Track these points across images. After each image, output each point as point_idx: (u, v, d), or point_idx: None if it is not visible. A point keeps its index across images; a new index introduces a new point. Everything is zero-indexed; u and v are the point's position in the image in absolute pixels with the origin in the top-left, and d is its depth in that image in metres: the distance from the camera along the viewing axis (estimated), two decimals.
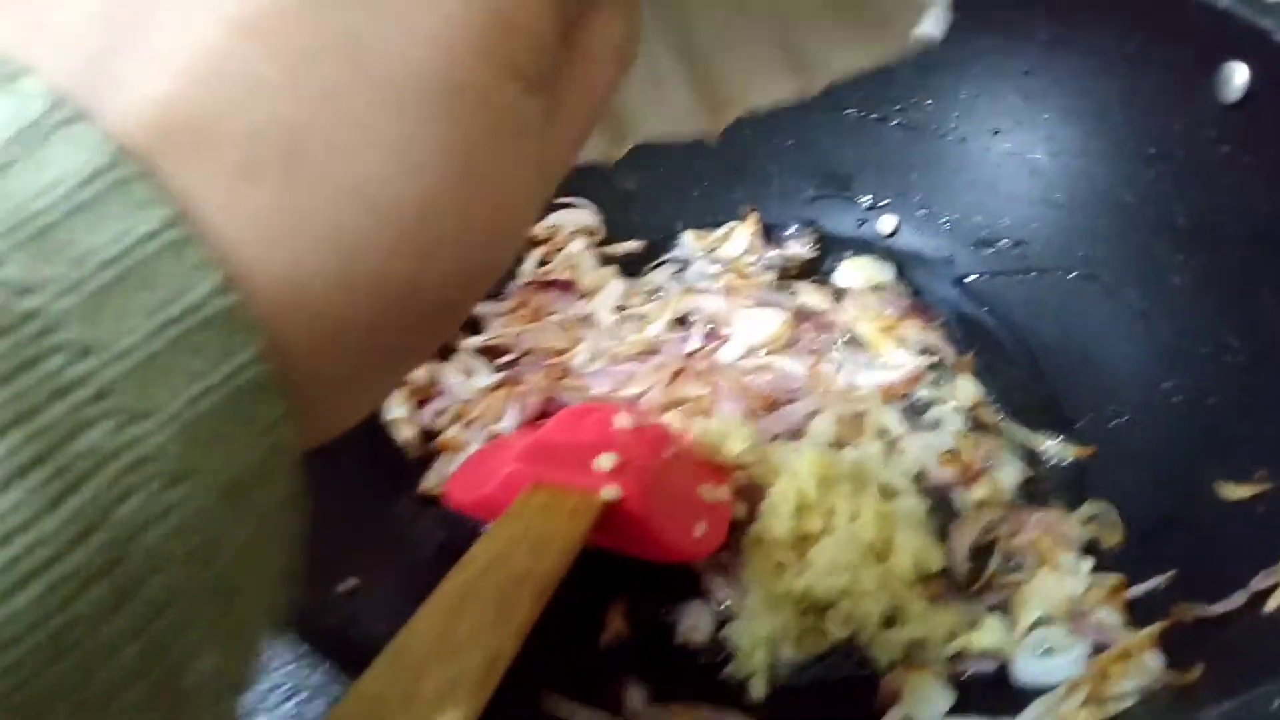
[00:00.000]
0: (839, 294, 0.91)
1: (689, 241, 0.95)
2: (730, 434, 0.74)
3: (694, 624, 0.70)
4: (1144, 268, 0.83)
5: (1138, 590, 0.68)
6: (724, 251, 0.94)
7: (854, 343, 0.87)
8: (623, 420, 0.72)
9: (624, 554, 0.66)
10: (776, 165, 0.97)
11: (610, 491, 0.62)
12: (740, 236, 0.94)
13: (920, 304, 0.90)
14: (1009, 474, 0.77)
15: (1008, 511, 0.75)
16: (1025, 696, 0.64)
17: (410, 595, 0.55)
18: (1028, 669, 0.66)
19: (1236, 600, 0.60)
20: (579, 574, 0.61)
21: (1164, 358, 0.79)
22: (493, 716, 0.48)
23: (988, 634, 0.67)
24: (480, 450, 0.76)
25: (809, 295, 0.91)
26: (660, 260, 0.95)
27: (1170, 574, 0.67)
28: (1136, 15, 0.81)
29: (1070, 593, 0.68)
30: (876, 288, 0.92)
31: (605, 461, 0.64)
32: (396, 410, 0.79)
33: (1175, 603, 0.63)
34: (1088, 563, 0.71)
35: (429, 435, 0.80)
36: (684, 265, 0.94)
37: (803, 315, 0.88)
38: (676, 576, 0.72)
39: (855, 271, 0.93)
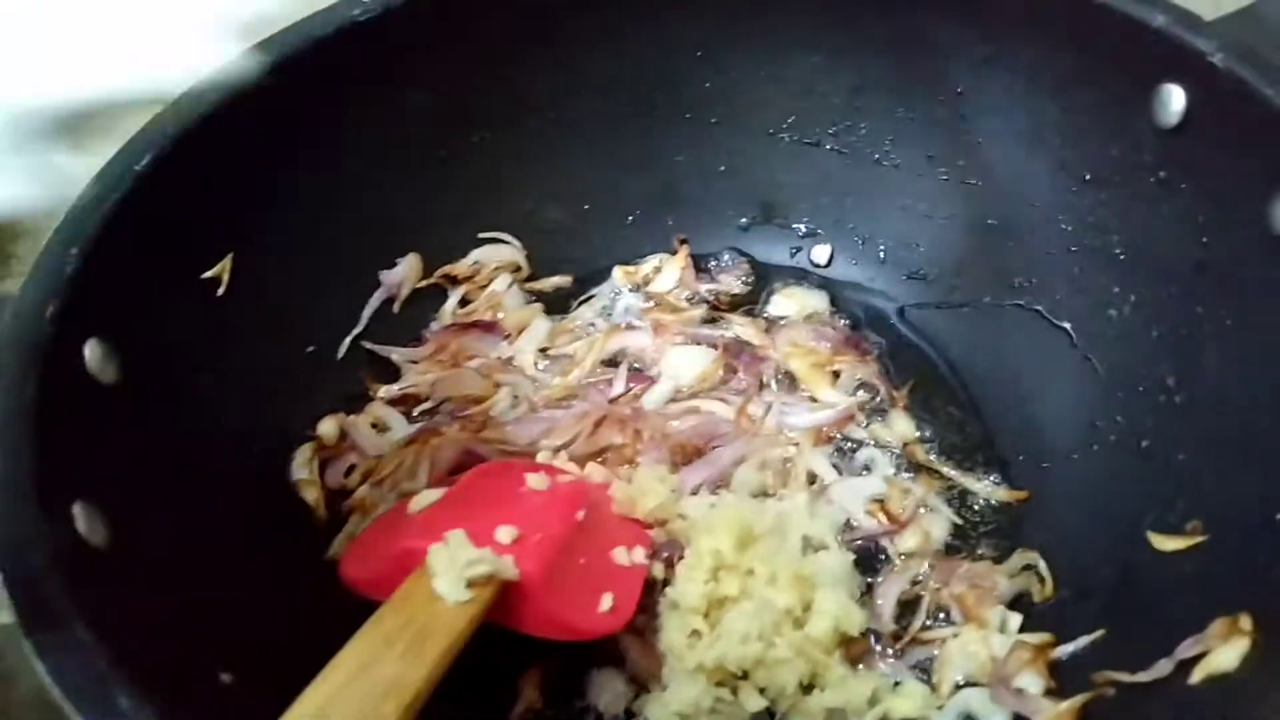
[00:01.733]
0: (772, 325, 0.88)
1: (618, 278, 0.92)
2: (647, 490, 0.71)
3: (609, 696, 0.68)
4: (1082, 299, 0.80)
5: (1064, 650, 0.65)
6: (654, 286, 0.91)
7: (787, 380, 0.84)
8: (534, 481, 0.69)
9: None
10: (708, 192, 0.94)
11: (506, 571, 0.59)
12: (670, 270, 0.91)
13: (855, 337, 0.87)
14: (939, 523, 0.75)
15: (936, 562, 0.72)
16: None
17: (298, 687, 0.53)
18: None
19: (1162, 669, 0.58)
20: (488, 640, 0.59)
21: (1100, 395, 0.76)
22: None
23: (908, 699, 0.65)
24: (379, 518, 0.73)
25: (741, 328, 0.88)
26: (588, 296, 0.91)
27: (1097, 634, 0.64)
28: (1072, 34, 0.77)
29: (995, 653, 0.65)
30: (810, 318, 0.89)
31: (504, 535, 0.61)
32: (300, 471, 0.76)
33: (1100, 668, 0.60)
34: (1015, 619, 0.68)
35: (340, 494, 0.77)
36: (612, 301, 0.91)
37: (734, 350, 0.85)
38: (590, 648, 0.69)
39: (788, 301, 0.90)
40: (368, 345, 0.84)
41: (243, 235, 0.75)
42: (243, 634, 0.61)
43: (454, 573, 0.56)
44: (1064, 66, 0.79)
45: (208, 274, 0.73)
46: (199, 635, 0.57)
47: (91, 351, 0.62)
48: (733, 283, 0.91)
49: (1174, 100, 0.72)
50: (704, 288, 0.91)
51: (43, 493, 0.53)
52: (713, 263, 0.93)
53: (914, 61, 0.85)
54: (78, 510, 0.54)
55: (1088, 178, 0.79)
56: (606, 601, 0.64)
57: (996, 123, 0.84)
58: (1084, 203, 0.79)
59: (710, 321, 0.89)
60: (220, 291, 0.74)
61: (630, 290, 0.91)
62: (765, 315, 0.90)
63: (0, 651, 0.92)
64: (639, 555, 0.69)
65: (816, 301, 0.89)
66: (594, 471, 0.75)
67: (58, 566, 0.50)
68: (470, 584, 0.56)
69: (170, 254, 0.70)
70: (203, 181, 0.72)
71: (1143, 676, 0.58)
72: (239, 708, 0.55)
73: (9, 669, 0.96)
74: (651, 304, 0.90)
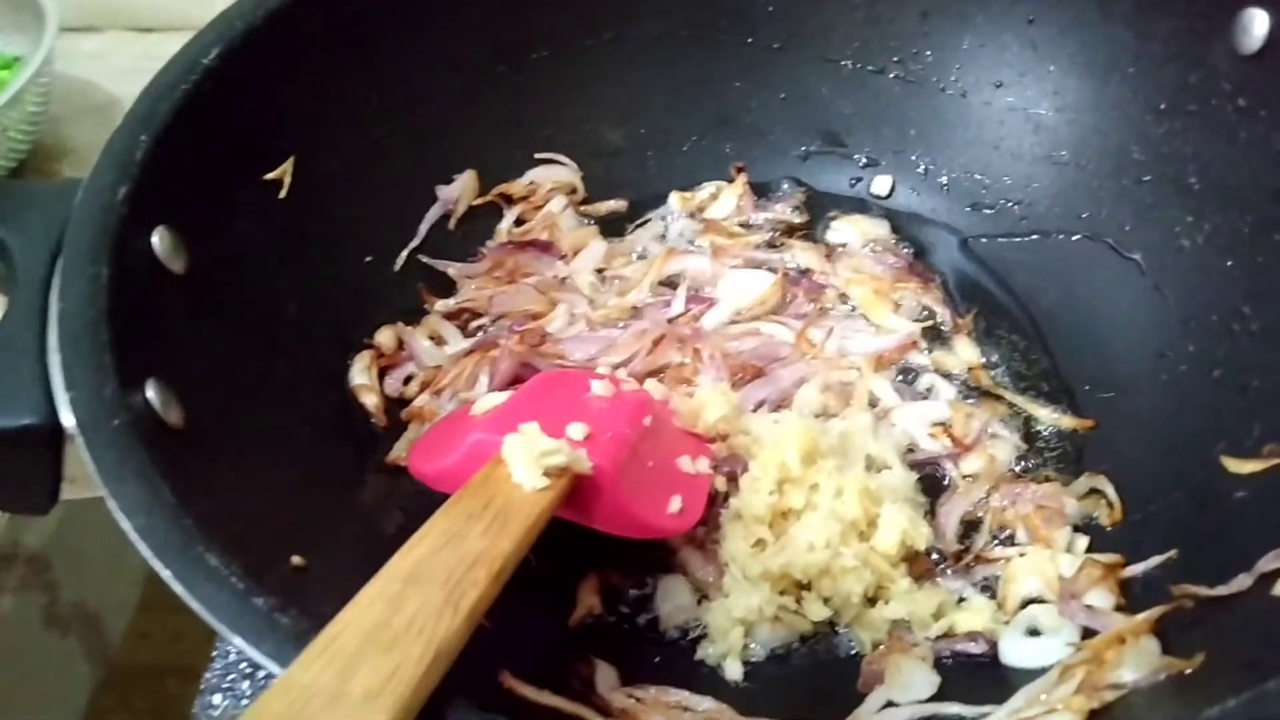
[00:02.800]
0: (832, 252, 0.87)
1: (674, 204, 0.90)
2: (709, 402, 0.71)
3: (673, 602, 0.67)
4: (1153, 230, 0.78)
5: (1135, 570, 0.64)
6: (710, 212, 0.90)
7: (846, 306, 0.83)
8: (598, 388, 0.68)
9: (595, 530, 0.63)
10: (767, 120, 0.92)
11: (580, 464, 0.58)
12: (728, 197, 0.90)
13: (918, 264, 0.86)
14: (1004, 446, 0.74)
15: (1001, 484, 0.71)
16: (1013, 680, 0.61)
17: (364, 576, 0.52)
18: (1015, 651, 0.63)
19: (1242, 583, 0.56)
20: (548, 547, 0.58)
21: (1171, 326, 0.75)
22: (447, 702, 0.45)
23: (975, 614, 0.64)
24: (445, 417, 0.72)
25: (801, 254, 0.86)
26: (643, 220, 0.90)
27: (1170, 554, 0.63)
28: None
29: (1062, 571, 0.64)
30: (871, 245, 0.88)
31: (576, 431, 0.61)
32: (359, 376, 0.75)
33: (1174, 584, 0.59)
34: (1082, 541, 0.67)
35: (399, 403, 0.77)
36: (667, 225, 0.90)
37: (793, 276, 0.84)
38: (651, 551, 0.68)
39: (849, 228, 0.89)
40: (424, 259, 0.84)
41: (305, 139, 0.75)
42: (310, 522, 0.60)
43: (530, 461, 0.55)
44: None
45: (270, 175, 0.73)
46: (270, 517, 0.57)
47: (160, 239, 0.61)
48: (789, 212, 0.90)
49: (1256, 25, 0.70)
50: (761, 216, 0.89)
51: (120, 365, 0.52)
52: (771, 191, 0.92)
53: None
54: (151, 388, 0.54)
55: (1162, 107, 0.78)
56: (675, 503, 0.64)
57: (1068, 50, 0.82)
58: (1158, 132, 0.78)
59: (769, 246, 0.87)
60: (282, 194, 0.73)
61: (686, 216, 0.90)
62: (825, 241, 0.88)
63: (47, 559, 0.93)
64: (703, 464, 0.68)
65: (877, 229, 0.88)
66: (653, 388, 0.74)
67: (138, 434, 0.50)
68: (545, 473, 0.56)
69: (235, 151, 0.70)
70: (268, 80, 0.72)
71: (1221, 590, 0.57)
72: (309, 589, 0.54)
73: (52, 581, 0.97)
74: (708, 229, 0.88)
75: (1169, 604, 0.58)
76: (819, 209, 0.91)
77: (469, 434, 0.61)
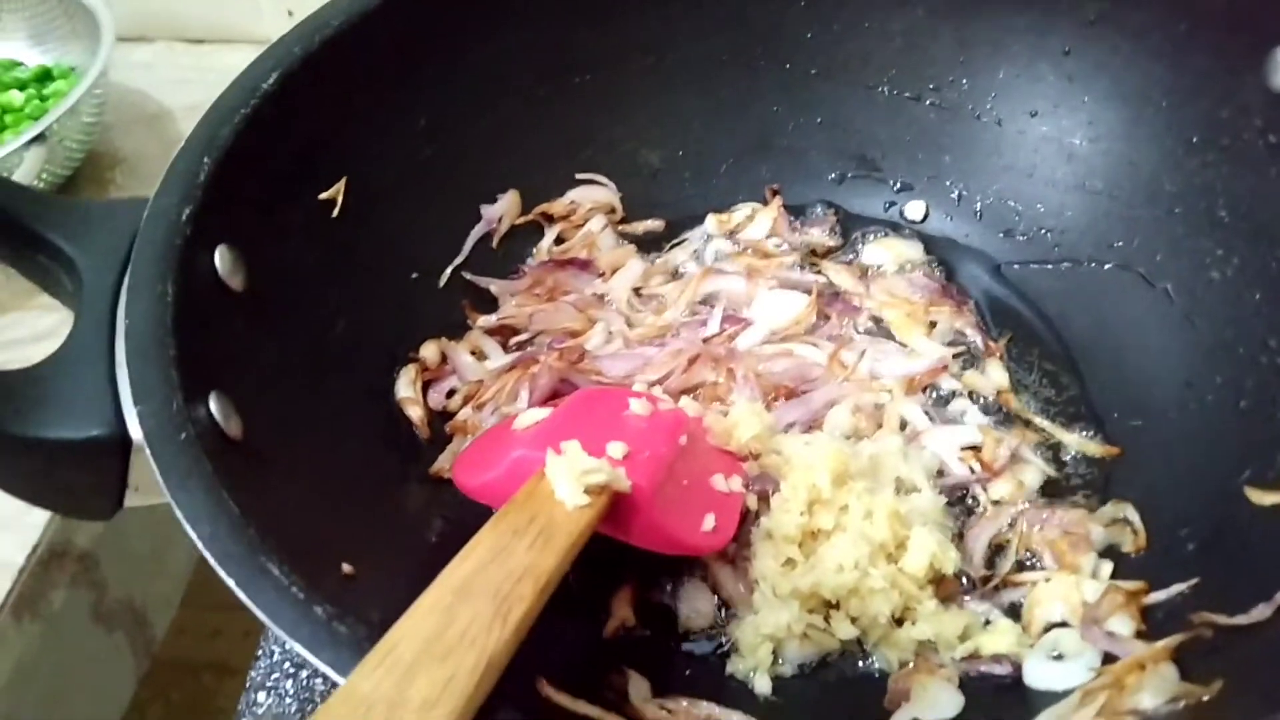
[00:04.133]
0: (866, 274, 0.89)
1: (711, 225, 0.93)
2: (743, 421, 0.73)
3: (691, 606, 0.69)
4: (1183, 261, 0.79)
5: (1157, 597, 0.65)
6: (746, 234, 0.92)
7: (880, 328, 0.85)
8: (636, 407, 0.70)
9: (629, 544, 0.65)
10: (803, 143, 0.94)
11: (619, 482, 0.60)
12: (763, 219, 0.92)
13: (951, 287, 0.87)
14: (1032, 472, 0.75)
15: (1028, 509, 0.73)
16: (1037, 701, 0.62)
17: (408, 583, 0.54)
18: (1038, 673, 0.64)
19: (1262, 612, 0.58)
20: (583, 559, 0.60)
21: (1199, 356, 0.76)
22: (490, 710, 0.48)
23: (1000, 637, 0.65)
24: (487, 431, 0.75)
25: (836, 274, 0.88)
26: (679, 239, 0.92)
27: (1192, 582, 0.64)
28: None
29: (1086, 597, 0.66)
30: (905, 267, 0.89)
31: (615, 450, 0.63)
32: (404, 390, 0.78)
33: (1195, 612, 0.61)
34: (1107, 566, 0.69)
35: (442, 415, 0.79)
36: (704, 245, 0.92)
37: (827, 297, 0.86)
38: (683, 568, 0.70)
39: (882, 250, 0.90)
40: (468, 275, 0.86)
41: (356, 160, 0.77)
42: (357, 531, 0.63)
43: (572, 480, 0.57)
44: (1176, 28, 0.79)
45: (324, 195, 0.75)
46: (321, 526, 0.59)
47: (222, 257, 0.64)
48: (823, 235, 0.92)
49: None
50: (796, 238, 0.91)
51: (185, 378, 0.55)
52: (806, 214, 0.93)
53: (1020, 19, 0.86)
54: (214, 400, 0.57)
55: (1195, 140, 0.79)
56: (709, 521, 0.66)
57: (1103, 83, 0.84)
58: (1189, 165, 0.79)
59: (803, 267, 0.89)
60: (334, 213, 0.76)
61: (722, 237, 0.92)
62: (859, 263, 0.90)
63: (96, 556, 0.96)
64: (736, 483, 0.70)
65: (911, 251, 0.90)
66: (688, 406, 0.76)
67: (202, 446, 0.52)
68: (586, 491, 0.58)
69: (291, 172, 0.73)
70: (323, 103, 0.74)
71: (1241, 619, 0.58)
72: (358, 597, 0.56)
73: (101, 579, 1.00)
74: (743, 249, 0.91)
75: (1189, 632, 0.59)
76: (853, 232, 0.93)
77: (512, 450, 0.64)
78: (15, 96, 1.14)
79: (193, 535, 0.48)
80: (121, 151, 1.21)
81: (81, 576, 0.95)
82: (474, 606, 0.49)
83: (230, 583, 0.46)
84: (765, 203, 0.94)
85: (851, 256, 0.91)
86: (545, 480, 0.59)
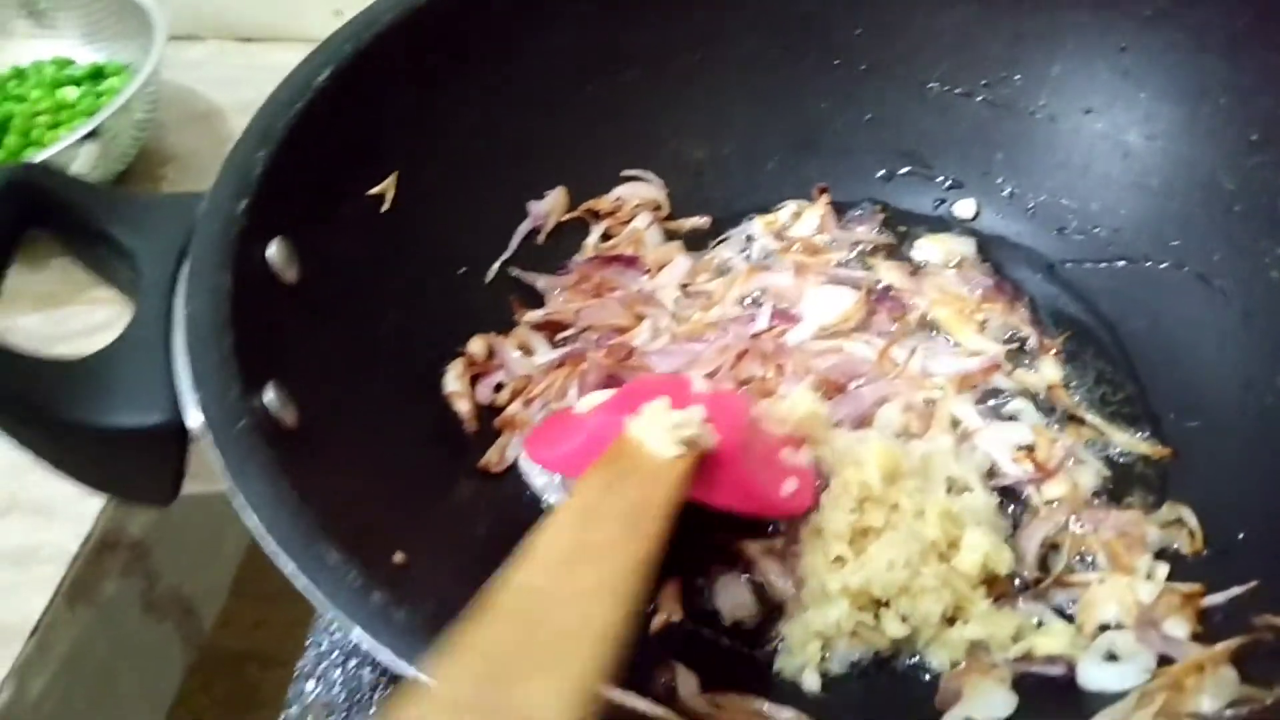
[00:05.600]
0: (917, 270, 0.88)
1: (757, 228, 0.92)
2: (797, 403, 0.73)
3: (731, 598, 0.69)
4: (1242, 260, 0.78)
5: (1214, 600, 0.64)
6: (793, 233, 0.91)
7: (931, 325, 0.84)
8: (700, 385, 0.70)
9: (714, 509, 0.63)
10: (851, 140, 0.94)
11: (707, 437, 0.60)
12: (810, 217, 0.91)
13: (1004, 283, 0.86)
14: (1087, 472, 0.74)
15: (1082, 509, 0.72)
16: (1091, 703, 0.61)
17: (457, 576, 0.55)
18: (1091, 674, 0.63)
19: None
20: None
21: (1258, 356, 0.75)
22: None
23: (1053, 637, 0.65)
24: (552, 415, 0.75)
25: (886, 271, 0.87)
26: (725, 236, 0.92)
27: (1250, 585, 0.63)
28: None
29: (1141, 598, 0.65)
30: (957, 263, 0.88)
31: (695, 412, 0.62)
32: (452, 384, 0.78)
33: (1254, 615, 0.60)
34: (1163, 568, 0.68)
35: (490, 410, 0.79)
36: (749, 242, 0.91)
37: (877, 294, 0.86)
38: (722, 566, 0.70)
39: (934, 247, 0.90)
40: (514, 271, 0.86)
41: (407, 156, 0.78)
42: (407, 522, 0.63)
43: (663, 431, 0.57)
44: (1236, 24, 0.78)
45: (374, 190, 0.76)
46: (374, 516, 0.59)
47: (277, 250, 0.65)
48: (872, 233, 0.91)
49: None
50: (844, 236, 0.91)
51: (243, 370, 0.55)
52: (853, 212, 0.93)
53: (1076, 14, 0.85)
54: (270, 390, 0.57)
55: (1254, 138, 0.78)
56: (790, 485, 0.66)
57: (1160, 79, 0.83)
58: (1249, 163, 0.78)
59: (853, 262, 0.89)
60: (385, 208, 0.76)
61: (769, 236, 0.92)
62: (909, 259, 0.89)
63: (148, 546, 0.98)
64: (804, 456, 0.70)
65: (963, 248, 0.89)
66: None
67: (260, 435, 0.53)
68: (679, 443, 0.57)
69: (343, 166, 0.73)
70: (374, 99, 0.75)
71: None
72: (412, 586, 0.57)
73: (152, 568, 1.01)
74: (791, 246, 0.90)
75: (1248, 635, 0.58)
76: (902, 229, 0.92)
77: (590, 419, 0.63)
78: (70, 93, 1.16)
79: (253, 521, 0.48)
80: (173, 149, 1.23)
81: (134, 565, 0.97)
82: (576, 580, 0.43)
83: (291, 567, 0.47)
84: (812, 200, 0.93)
85: (902, 253, 0.90)
86: (630, 440, 0.57)
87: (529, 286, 0.87)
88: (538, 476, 0.76)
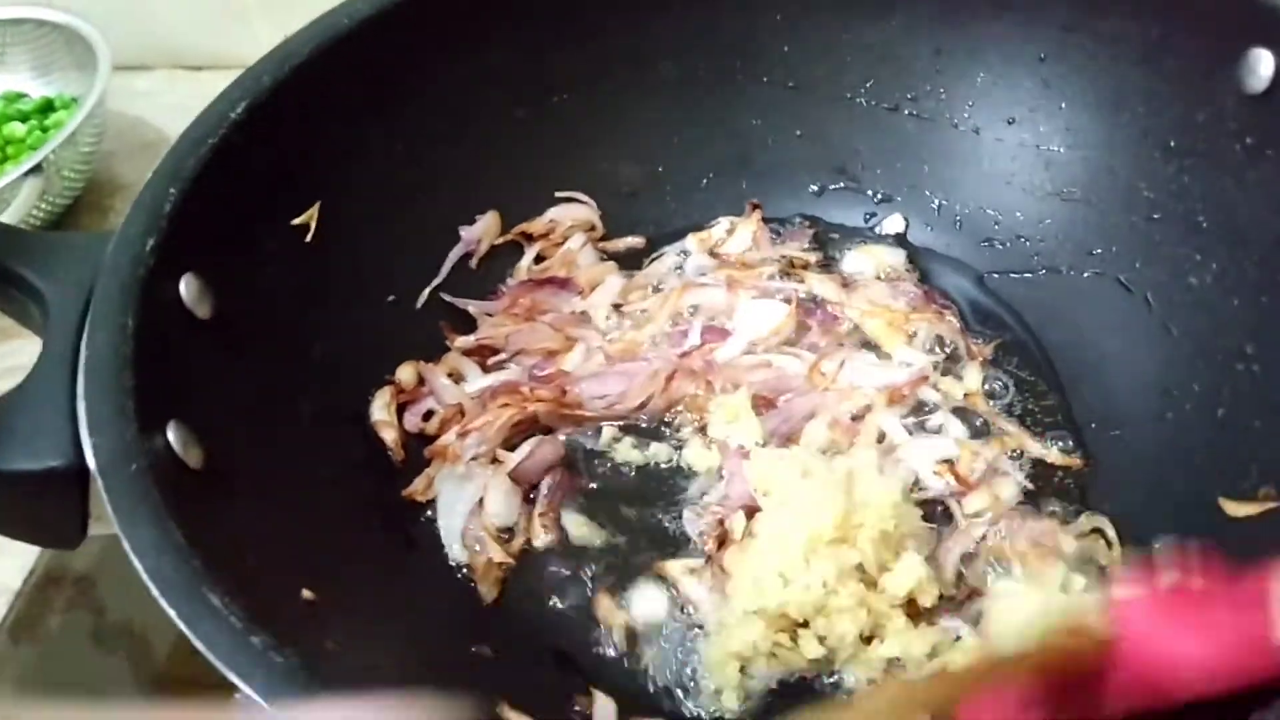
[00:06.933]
0: (848, 283, 0.88)
1: (691, 244, 0.92)
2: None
3: (645, 606, 0.70)
4: (1162, 268, 0.79)
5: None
6: (726, 249, 0.91)
7: (861, 337, 0.85)
8: None
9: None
10: (783, 157, 0.94)
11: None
12: (743, 233, 0.91)
13: (933, 293, 0.87)
14: (1008, 485, 0.74)
15: (1000, 517, 0.72)
16: None
17: (373, 609, 0.55)
18: None
19: None
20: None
21: (1178, 364, 0.75)
22: None
23: (968, 653, 0.65)
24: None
25: (818, 284, 0.88)
26: (659, 253, 0.93)
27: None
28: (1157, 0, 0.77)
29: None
30: (887, 273, 0.89)
31: None
32: (379, 412, 0.78)
33: None
34: (1079, 581, 0.68)
35: (418, 439, 0.79)
36: (684, 258, 0.92)
37: (807, 306, 0.86)
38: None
39: (864, 258, 0.90)
40: (446, 297, 0.87)
41: (330, 185, 0.78)
42: (323, 557, 0.63)
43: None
44: (1149, 33, 0.78)
45: (297, 221, 0.76)
46: (283, 553, 0.60)
47: (187, 286, 0.65)
48: (799, 248, 0.91)
49: (1262, 65, 0.71)
50: (776, 251, 0.91)
51: (140, 409, 0.55)
52: (786, 227, 0.93)
53: (996, 26, 0.85)
54: (172, 429, 0.57)
55: (1171, 145, 0.78)
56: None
57: (1079, 88, 0.83)
58: (1167, 170, 0.78)
59: (784, 276, 0.89)
60: (308, 238, 0.76)
61: (703, 254, 0.92)
62: (840, 272, 0.90)
63: (93, 579, 0.98)
64: None
65: (893, 258, 0.89)
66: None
67: (154, 477, 0.53)
68: None
69: (262, 199, 0.73)
70: (294, 131, 0.75)
71: None
72: (318, 622, 0.57)
73: (99, 601, 1.01)
74: (722, 264, 0.90)
75: None
76: (834, 242, 0.92)
77: None
78: (17, 128, 1.17)
79: (138, 566, 0.49)
80: (123, 179, 1.23)
81: (79, 599, 0.97)
82: None
83: (171, 613, 0.47)
84: (745, 216, 0.94)
85: (834, 266, 0.91)
86: None
87: (461, 312, 0.87)
88: (448, 517, 0.75)
